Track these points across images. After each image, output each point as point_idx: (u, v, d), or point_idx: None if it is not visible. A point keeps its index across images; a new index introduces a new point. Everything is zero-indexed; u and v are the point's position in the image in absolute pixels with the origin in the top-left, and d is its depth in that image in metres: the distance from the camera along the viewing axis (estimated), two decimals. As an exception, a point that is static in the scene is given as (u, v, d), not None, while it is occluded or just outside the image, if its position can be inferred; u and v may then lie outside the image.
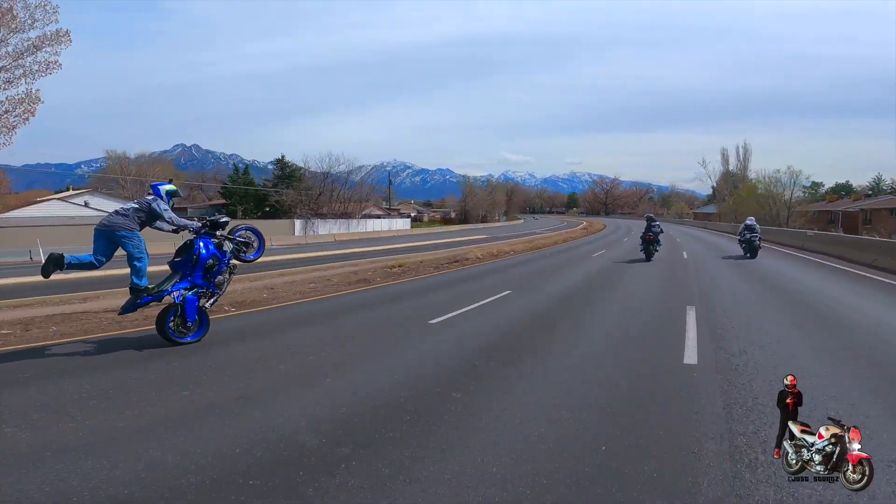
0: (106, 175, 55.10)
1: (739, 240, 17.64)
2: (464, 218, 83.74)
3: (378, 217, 58.37)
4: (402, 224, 57.45)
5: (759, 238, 17.00)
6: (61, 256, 5.08)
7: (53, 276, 5.27)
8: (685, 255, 18.11)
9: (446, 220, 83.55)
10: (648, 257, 15.83)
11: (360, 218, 52.86)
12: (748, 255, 16.68)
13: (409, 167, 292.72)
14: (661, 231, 16.48)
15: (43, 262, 5.09)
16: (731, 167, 66.42)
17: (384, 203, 78.86)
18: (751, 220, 17.58)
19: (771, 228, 30.57)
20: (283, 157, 50.02)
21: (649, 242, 15.93)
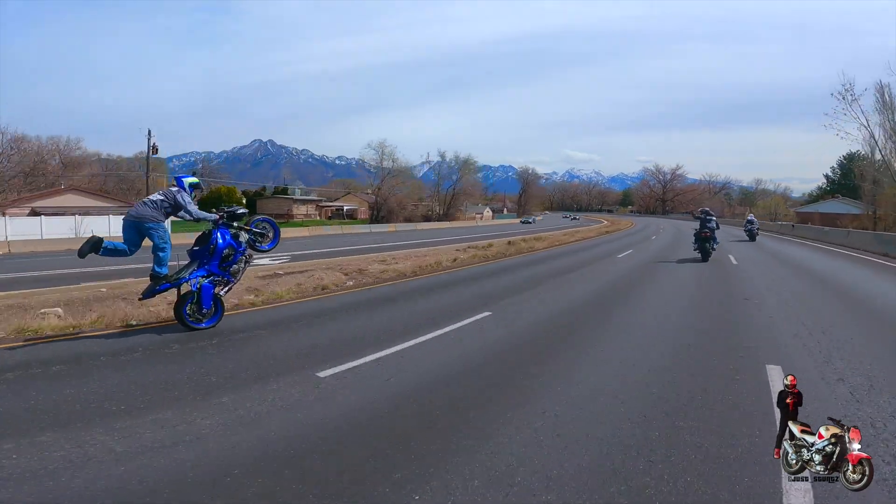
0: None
1: (745, 230, 24.96)
2: (377, 215, 55.72)
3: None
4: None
5: (758, 229, 24.94)
6: (100, 240, 5.40)
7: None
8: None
9: (379, 218, 54.66)
10: (705, 257, 14.41)
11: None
12: (750, 239, 23.78)
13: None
14: (718, 227, 15.29)
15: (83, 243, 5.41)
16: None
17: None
18: (751, 217, 25.62)
19: None
20: None
21: (705, 240, 14.54)
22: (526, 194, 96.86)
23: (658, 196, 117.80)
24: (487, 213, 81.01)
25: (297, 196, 65.15)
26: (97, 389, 3.88)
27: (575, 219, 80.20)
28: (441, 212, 63.58)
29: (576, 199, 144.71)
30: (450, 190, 67.41)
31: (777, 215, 62.77)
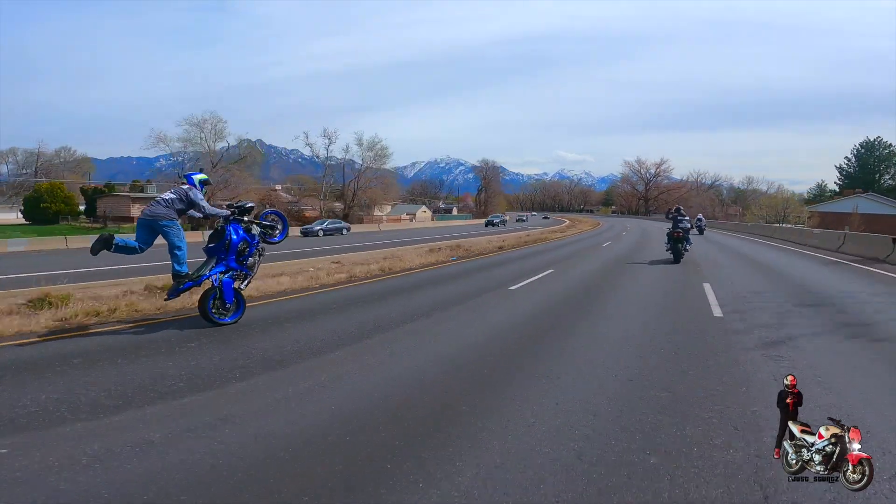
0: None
1: (695, 226, 26.99)
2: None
3: None
4: None
5: (705, 225, 30.55)
6: (111, 237, 5.34)
7: None
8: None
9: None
10: (677, 258, 13.56)
11: None
12: (700, 233, 27.98)
13: (462, 164, 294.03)
14: (691, 227, 14.58)
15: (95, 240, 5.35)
16: None
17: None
18: (700, 216, 30.41)
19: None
20: None
21: (677, 240, 13.66)
22: (487, 192, 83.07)
23: (640, 195, 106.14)
24: (424, 212, 67.22)
25: (148, 194, 48.01)
26: (123, 380, 3.94)
27: (504, 221, 57.36)
28: (344, 212, 48.27)
29: (557, 198, 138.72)
30: (350, 184, 50.93)
31: (786, 216, 47.83)
